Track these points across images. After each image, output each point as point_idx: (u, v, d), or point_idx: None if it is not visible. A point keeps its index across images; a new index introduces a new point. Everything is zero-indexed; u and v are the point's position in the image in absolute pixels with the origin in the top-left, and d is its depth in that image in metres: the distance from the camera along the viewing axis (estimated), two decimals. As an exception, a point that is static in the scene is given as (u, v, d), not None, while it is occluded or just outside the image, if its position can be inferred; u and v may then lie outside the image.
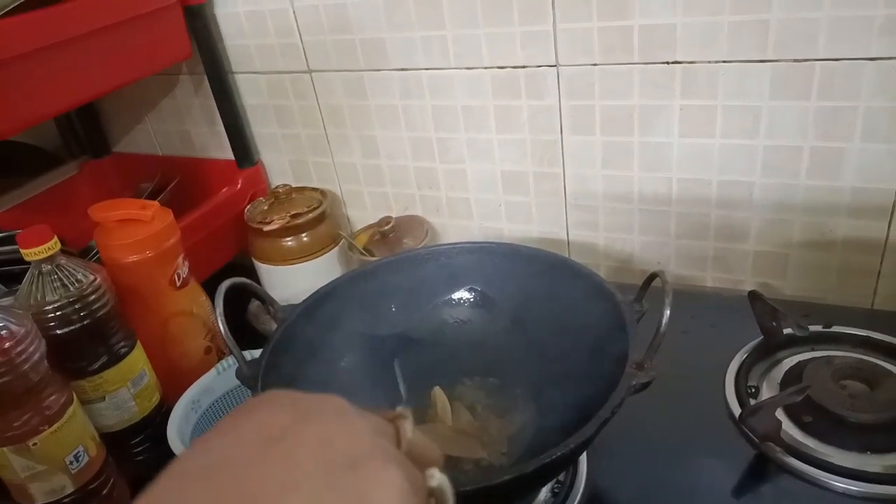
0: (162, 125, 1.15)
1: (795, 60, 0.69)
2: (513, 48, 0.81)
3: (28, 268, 0.67)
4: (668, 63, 0.74)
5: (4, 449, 0.60)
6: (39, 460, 0.62)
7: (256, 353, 0.62)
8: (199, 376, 0.74)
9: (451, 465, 0.61)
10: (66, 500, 0.64)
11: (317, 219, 0.94)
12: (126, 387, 0.72)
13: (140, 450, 0.75)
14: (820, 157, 0.73)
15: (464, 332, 0.71)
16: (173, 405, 0.71)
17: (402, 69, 0.90)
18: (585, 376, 0.61)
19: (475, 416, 0.66)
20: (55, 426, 0.62)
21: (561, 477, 0.62)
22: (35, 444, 0.61)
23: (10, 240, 0.86)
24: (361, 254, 0.91)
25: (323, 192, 0.99)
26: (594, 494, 0.61)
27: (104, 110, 1.19)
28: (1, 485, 0.64)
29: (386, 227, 0.92)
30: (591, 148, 0.83)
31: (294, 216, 0.93)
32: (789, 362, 0.71)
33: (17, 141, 1.13)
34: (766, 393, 0.68)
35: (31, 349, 0.60)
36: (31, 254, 0.65)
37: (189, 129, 1.12)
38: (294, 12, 0.92)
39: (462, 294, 0.73)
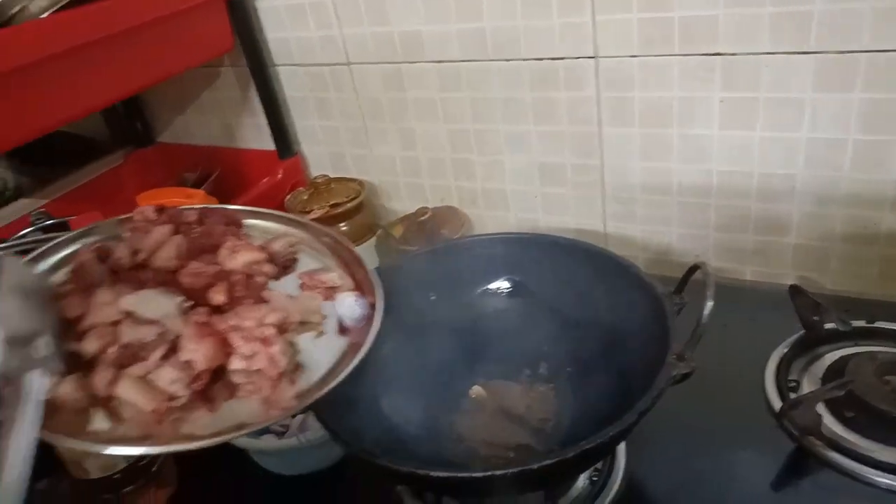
0: (204, 116, 1.17)
1: (839, 52, 0.68)
2: (551, 40, 0.81)
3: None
4: (708, 55, 0.74)
5: (61, 427, 0.63)
6: (95, 438, 0.64)
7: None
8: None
9: (491, 451, 0.62)
10: (117, 476, 0.66)
11: (355, 209, 0.96)
12: (173, 369, 0.74)
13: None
14: (864, 149, 0.72)
15: (501, 321, 0.72)
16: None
17: (439, 61, 0.90)
18: (623, 367, 0.62)
19: (512, 405, 0.67)
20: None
21: (599, 465, 0.62)
22: (89, 422, 0.63)
23: (62, 226, 0.89)
24: (398, 243, 0.92)
25: (361, 183, 1.01)
26: (632, 484, 0.61)
27: (149, 102, 1.22)
28: (59, 460, 0.67)
29: (423, 218, 0.93)
30: (630, 140, 0.83)
31: (333, 206, 0.95)
32: (831, 357, 0.70)
33: (66, 131, 1.17)
34: (807, 387, 0.68)
35: (87, 331, 0.63)
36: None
37: (231, 120, 1.15)
38: (333, 5, 0.93)
39: (500, 284, 0.74)
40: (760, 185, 0.79)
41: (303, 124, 1.08)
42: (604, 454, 0.61)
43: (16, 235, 0.95)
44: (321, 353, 0.52)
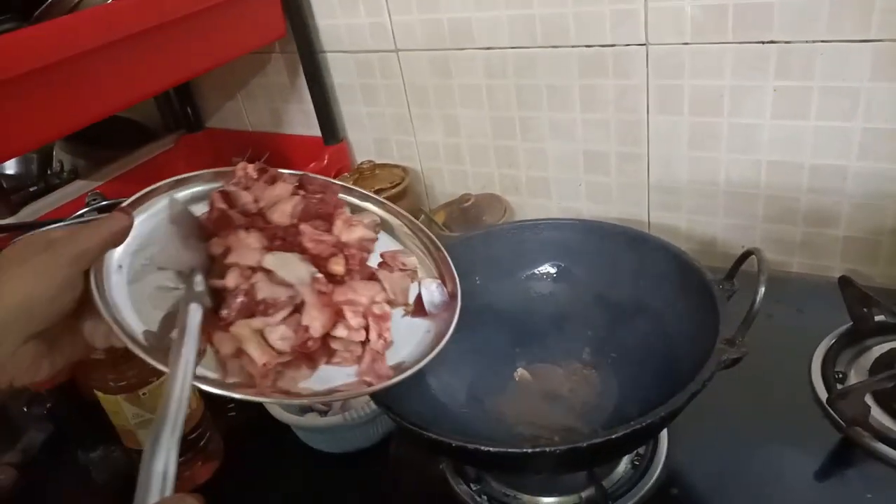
0: (253, 102, 1.20)
1: (900, 40, 0.67)
2: (602, 27, 0.81)
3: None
4: (763, 42, 0.73)
5: (118, 397, 0.65)
6: (148, 409, 0.66)
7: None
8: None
9: (535, 431, 0.63)
10: (168, 448, 0.69)
11: (399, 194, 0.97)
12: (224, 346, 0.76)
13: (232, 405, 0.79)
14: (921, 140, 0.71)
15: (547, 305, 0.73)
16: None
17: (488, 48, 0.91)
18: (668, 353, 0.62)
19: (556, 388, 0.68)
20: (162, 378, 0.66)
21: (641, 451, 0.63)
22: (145, 393, 0.66)
23: (116, 207, 0.92)
24: (441, 229, 0.94)
25: (405, 169, 1.02)
26: (674, 470, 0.62)
27: (199, 87, 1.25)
28: (113, 431, 0.69)
29: (466, 204, 0.94)
30: (678, 128, 0.83)
31: (377, 191, 0.96)
32: (879, 349, 0.70)
33: (120, 116, 1.20)
34: (854, 379, 0.67)
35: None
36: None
37: (279, 105, 1.17)
38: (384, -8, 0.94)
39: (546, 268, 0.74)
40: (812, 176, 0.78)
41: (349, 110, 1.09)
42: (651, 436, 0.61)
43: (73, 215, 0.99)
44: (405, 332, 0.54)
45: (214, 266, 0.51)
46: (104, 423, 0.69)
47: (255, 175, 0.58)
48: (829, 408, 0.63)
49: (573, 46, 0.84)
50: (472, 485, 0.63)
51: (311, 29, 1.02)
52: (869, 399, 0.63)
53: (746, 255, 0.58)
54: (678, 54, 0.78)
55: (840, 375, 0.68)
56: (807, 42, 0.71)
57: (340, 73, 1.06)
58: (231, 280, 0.49)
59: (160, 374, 0.65)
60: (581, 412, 0.65)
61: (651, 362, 0.63)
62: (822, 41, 0.70)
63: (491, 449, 0.47)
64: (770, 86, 0.75)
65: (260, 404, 0.71)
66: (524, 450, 0.48)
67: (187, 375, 0.41)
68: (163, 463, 0.36)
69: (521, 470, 0.55)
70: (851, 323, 0.72)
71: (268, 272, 0.50)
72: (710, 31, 0.75)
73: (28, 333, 0.42)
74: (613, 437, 0.46)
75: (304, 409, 0.76)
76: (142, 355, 0.44)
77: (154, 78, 0.83)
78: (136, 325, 0.46)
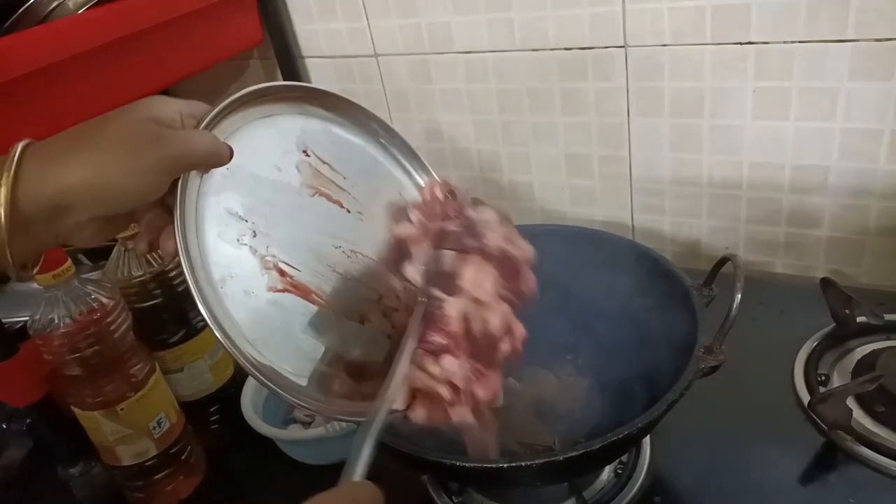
0: (233, 109, 1.18)
1: (877, 40, 0.67)
2: (580, 29, 0.81)
3: (115, 244, 0.71)
4: (741, 44, 0.73)
5: (96, 413, 0.64)
6: (126, 424, 0.65)
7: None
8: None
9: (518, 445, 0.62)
10: (149, 464, 0.68)
11: (382, 200, 0.96)
12: (203, 358, 0.75)
13: (215, 419, 0.79)
14: (901, 140, 0.71)
15: (528, 313, 0.72)
16: (246, 377, 0.74)
17: (467, 52, 0.90)
18: (650, 359, 0.61)
19: (539, 397, 0.67)
20: (140, 393, 0.66)
21: (624, 458, 0.62)
22: (122, 409, 0.65)
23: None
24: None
25: (387, 175, 1.01)
26: (657, 477, 0.61)
27: (177, 95, 1.23)
28: (93, 447, 0.69)
29: (449, 210, 0.93)
30: (659, 130, 0.82)
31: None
32: (862, 351, 0.69)
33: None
34: (837, 381, 0.67)
35: (120, 320, 0.64)
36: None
37: (259, 112, 1.15)
38: (362, -4, 0.94)
39: (526, 276, 0.73)
40: (793, 177, 0.78)
41: (330, 116, 1.08)
42: (630, 446, 0.60)
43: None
44: None
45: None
46: (84, 438, 0.68)
47: (440, 197, 0.57)
48: (811, 412, 0.62)
49: (552, 49, 0.84)
50: (454, 497, 0.62)
51: (289, 35, 1.01)
52: (851, 402, 0.62)
53: (724, 260, 0.58)
54: (657, 56, 0.78)
55: (823, 378, 0.67)
56: (785, 42, 0.71)
57: (320, 78, 1.05)
58: (454, 306, 0.48)
59: (137, 388, 0.65)
60: (562, 421, 0.65)
61: (634, 369, 0.63)
62: (800, 42, 0.70)
63: (467, 464, 0.47)
64: (749, 87, 0.75)
65: (240, 413, 0.71)
66: (500, 464, 0.47)
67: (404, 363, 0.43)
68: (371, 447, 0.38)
69: (500, 484, 0.55)
70: (834, 325, 0.71)
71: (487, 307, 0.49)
72: (689, 33, 0.75)
73: (93, 215, 0.40)
74: (590, 449, 0.46)
75: (286, 422, 0.75)
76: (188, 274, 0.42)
77: (130, 86, 0.82)
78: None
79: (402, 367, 0.44)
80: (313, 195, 0.53)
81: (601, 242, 0.70)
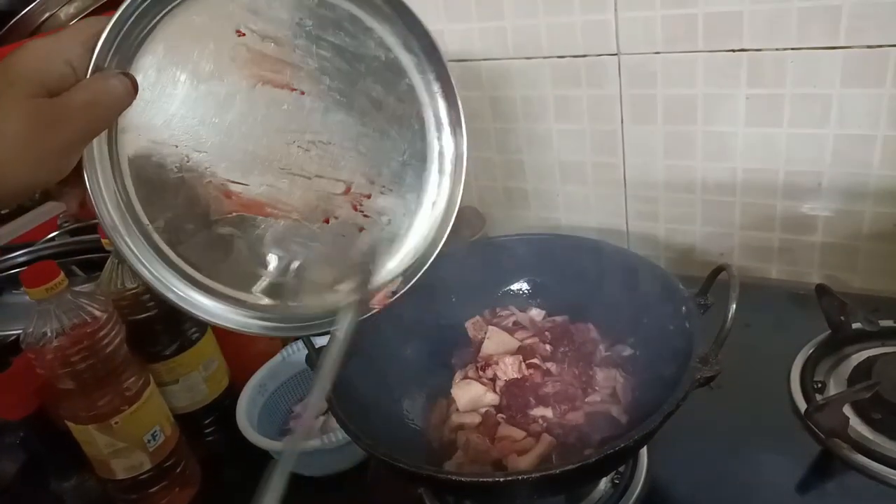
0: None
1: (869, 47, 0.67)
2: (573, 37, 0.81)
3: (108, 256, 0.70)
4: (734, 51, 0.73)
5: (90, 427, 0.64)
6: (121, 438, 0.65)
7: (324, 340, 0.64)
8: (265, 361, 0.77)
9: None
10: (143, 477, 0.67)
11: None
12: (198, 370, 0.75)
13: (210, 430, 0.78)
14: (894, 146, 0.71)
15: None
16: (241, 388, 0.74)
17: (460, 60, 0.90)
18: (647, 370, 0.61)
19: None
20: (134, 406, 0.65)
21: (621, 469, 0.62)
22: (117, 422, 0.64)
23: (91, 229, 0.91)
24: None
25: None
26: (654, 487, 0.61)
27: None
28: (86, 460, 0.68)
29: (444, 218, 0.92)
30: (653, 137, 0.83)
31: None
32: (858, 358, 0.69)
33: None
34: (833, 388, 0.67)
35: (113, 333, 0.64)
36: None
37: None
38: (355, 5, 0.93)
39: (521, 285, 0.74)
40: (786, 183, 0.78)
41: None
42: (626, 458, 0.60)
43: (46, 238, 0.97)
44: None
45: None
46: (78, 452, 0.67)
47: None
48: (807, 420, 0.62)
49: (545, 57, 0.84)
50: (450, 508, 0.62)
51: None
52: (848, 410, 0.62)
53: (718, 270, 0.58)
54: (650, 63, 0.78)
55: (819, 385, 0.67)
56: (777, 49, 0.71)
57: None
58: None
59: (132, 402, 0.65)
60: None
61: (631, 380, 0.63)
62: (792, 48, 0.70)
63: (462, 478, 0.47)
64: (742, 93, 0.75)
65: (234, 425, 0.70)
66: (496, 478, 0.47)
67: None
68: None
69: (496, 497, 0.54)
70: (830, 331, 0.71)
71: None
72: (681, 40, 0.75)
73: None
74: (586, 462, 0.46)
75: (282, 433, 0.75)
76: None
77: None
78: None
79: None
80: (255, 86, 0.45)
81: (593, 251, 0.69)
